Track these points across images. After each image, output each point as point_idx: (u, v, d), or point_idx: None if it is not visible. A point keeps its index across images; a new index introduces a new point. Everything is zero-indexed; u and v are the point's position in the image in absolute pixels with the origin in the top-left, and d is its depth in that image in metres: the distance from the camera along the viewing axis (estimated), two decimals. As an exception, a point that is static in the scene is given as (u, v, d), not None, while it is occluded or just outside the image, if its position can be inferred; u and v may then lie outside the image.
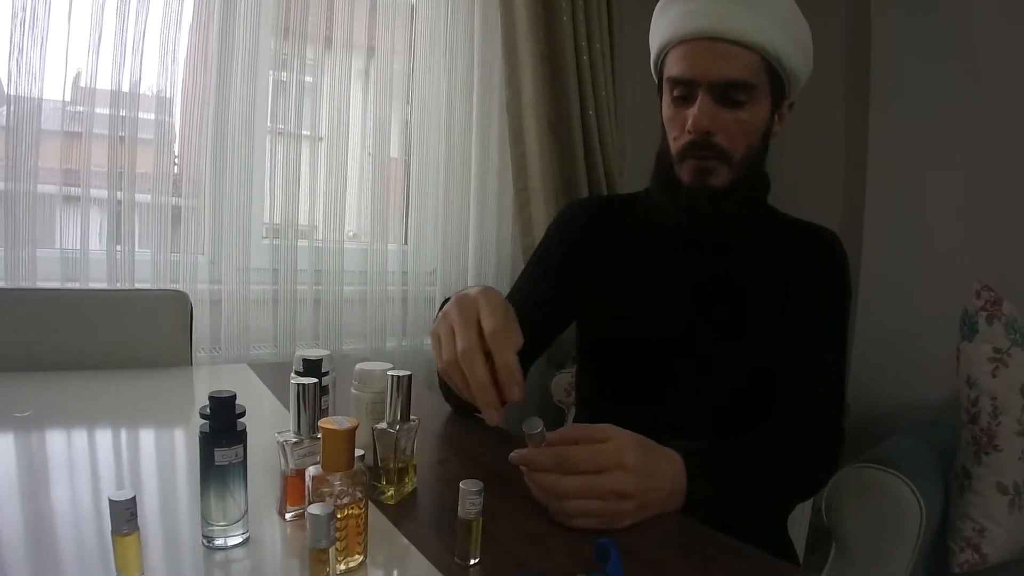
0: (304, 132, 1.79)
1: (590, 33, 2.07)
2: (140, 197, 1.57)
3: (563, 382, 1.87)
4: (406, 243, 2.01)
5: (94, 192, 1.51)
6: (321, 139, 1.83)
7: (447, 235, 2.00)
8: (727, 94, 0.98)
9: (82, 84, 1.49)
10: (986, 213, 1.90)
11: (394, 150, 1.97)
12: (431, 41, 1.99)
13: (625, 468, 0.68)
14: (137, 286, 1.56)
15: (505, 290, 1.91)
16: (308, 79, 1.80)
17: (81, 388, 1.08)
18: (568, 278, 1.14)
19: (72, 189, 1.49)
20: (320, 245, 1.80)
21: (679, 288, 1.08)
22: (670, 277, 1.09)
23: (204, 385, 1.20)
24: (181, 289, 1.57)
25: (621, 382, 1.11)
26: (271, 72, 1.76)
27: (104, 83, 1.50)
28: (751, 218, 1.09)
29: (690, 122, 0.99)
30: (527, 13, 1.96)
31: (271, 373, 1.23)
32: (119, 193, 1.53)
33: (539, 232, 1.98)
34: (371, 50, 1.92)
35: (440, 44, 2.00)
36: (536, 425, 0.70)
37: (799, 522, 1.36)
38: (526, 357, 1.09)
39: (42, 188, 1.45)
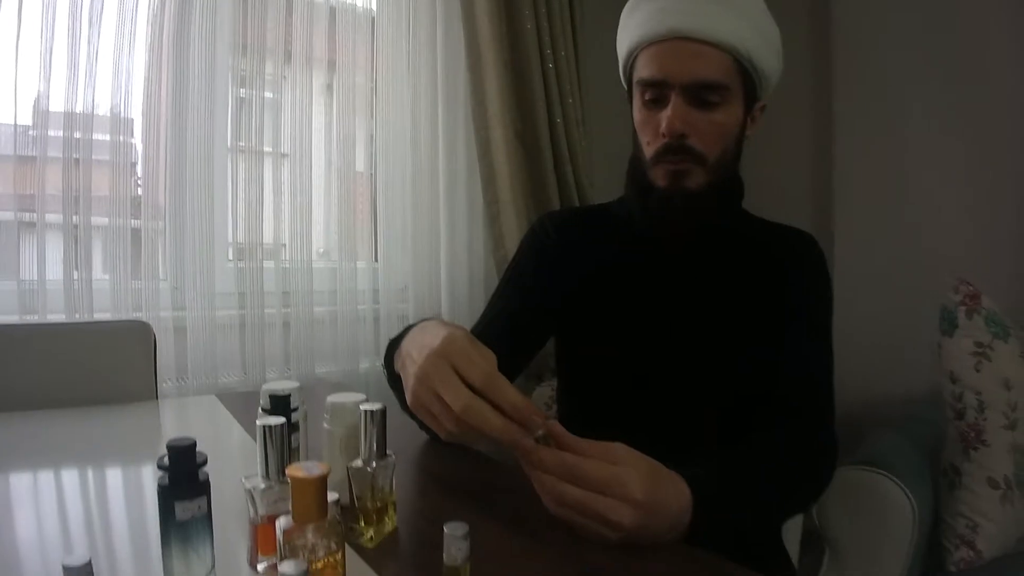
0: (267, 149, 1.74)
1: (554, 40, 2.05)
2: (97, 220, 1.51)
3: (543, 395, 1.83)
4: (376, 260, 1.96)
5: (50, 218, 1.44)
6: (284, 155, 1.77)
7: (417, 251, 1.96)
8: (700, 95, 0.96)
9: (39, 107, 1.44)
10: (961, 206, 1.90)
11: (360, 164, 1.93)
12: (393, 53, 1.95)
13: (627, 501, 0.65)
14: (97, 316, 1.49)
15: (480, 306, 1.90)
16: (268, 95, 1.75)
17: (37, 429, 1.03)
18: (543, 292, 1.11)
19: (26, 215, 1.43)
20: (287, 266, 1.75)
21: (657, 296, 1.05)
22: (647, 285, 1.06)
23: (171, 421, 1.15)
24: (143, 318, 1.52)
25: (604, 395, 1.07)
26: (230, 89, 1.71)
27: (58, 105, 1.45)
28: (727, 223, 1.07)
29: (663, 125, 0.96)
30: (490, 22, 1.93)
31: (241, 403, 1.19)
32: (75, 217, 1.46)
33: (511, 244, 1.96)
34: (331, 64, 1.87)
35: (402, 56, 1.96)
36: (538, 425, 0.68)
37: (792, 525, 1.34)
38: (506, 375, 1.07)
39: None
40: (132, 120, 1.57)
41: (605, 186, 2.19)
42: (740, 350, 1.01)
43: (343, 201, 1.85)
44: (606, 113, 2.29)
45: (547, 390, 1.86)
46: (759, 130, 1.08)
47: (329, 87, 1.91)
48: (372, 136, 1.98)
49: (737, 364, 1.01)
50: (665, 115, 0.96)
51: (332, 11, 1.84)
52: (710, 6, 0.94)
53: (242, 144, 1.71)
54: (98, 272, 1.52)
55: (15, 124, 1.42)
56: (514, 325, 1.07)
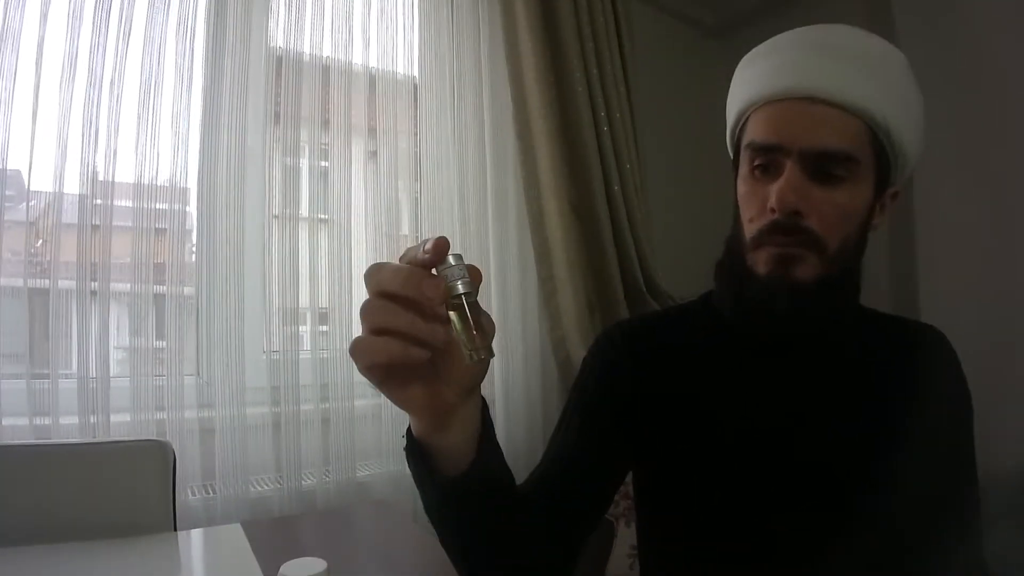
0: (303, 215, 1.63)
1: (608, 102, 1.91)
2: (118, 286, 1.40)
3: (624, 542, 1.61)
4: (423, 345, 1.80)
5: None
6: (324, 221, 1.65)
7: (468, 332, 1.79)
8: (822, 167, 0.77)
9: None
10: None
11: (405, 228, 1.81)
12: (438, 120, 1.82)
13: None
14: (114, 419, 1.34)
15: (536, 394, 1.70)
16: (304, 162, 1.63)
17: (37, 568, 0.87)
18: (618, 419, 0.89)
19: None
20: (325, 355, 1.59)
21: (760, 409, 0.85)
22: (747, 396, 0.86)
23: (187, 561, 0.98)
24: (164, 418, 1.38)
25: (706, 542, 0.86)
26: (265, 158, 1.60)
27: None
28: (842, 320, 0.87)
29: (773, 198, 0.77)
30: (539, 86, 1.80)
31: (267, 538, 1.01)
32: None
33: (568, 325, 1.79)
34: (372, 131, 1.75)
35: (447, 122, 1.84)
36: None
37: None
38: (585, 522, 0.87)
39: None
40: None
41: (666, 260, 2.02)
42: (867, 472, 0.81)
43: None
44: (664, 180, 2.15)
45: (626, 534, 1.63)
46: (885, 223, 0.88)
47: (373, 154, 1.78)
48: (417, 200, 1.84)
49: (864, 490, 0.80)
50: (777, 186, 0.78)
51: (372, 79, 1.73)
52: (844, 63, 0.77)
53: (276, 213, 1.59)
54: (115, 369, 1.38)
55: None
56: (588, 461, 0.86)
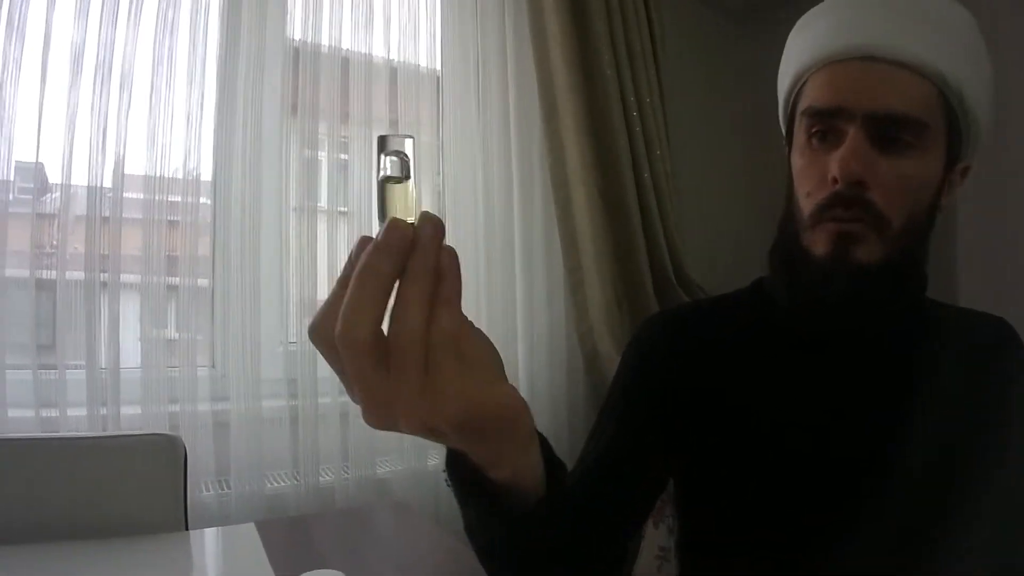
0: (321, 206, 1.58)
1: (637, 86, 1.84)
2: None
3: (653, 543, 1.54)
4: (444, 336, 1.74)
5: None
6: (343, 214, 1.60)
7: (491, 323, 1.72)
8: (889, 133, 0.69)
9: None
10: None
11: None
12: (462, 110, 1.76)
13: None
14: (124, 411, 1.30)
15: (562, 389, 1.63)
16: (323, 154, 1.59)
17: (41, 568, 0.84)
18: (659, 422, 0.82)
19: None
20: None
21: (817, 407, 0.77)
22: (802, 393, 0.78)
23: (198, 562, 0.93)
24: (177, 411, 1.33)
25: (756, 552, 0.79)
26: (282, 150, 1.55)
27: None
28: (901, 312, 0.80)
29: (835, 167, 0.69)
30: (567, 69, 1.73)
31: (282, 538, 0.95)
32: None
33: (595, 317, 1.72)
34: (393, 123, 1.70)
35: (472, 112, 1.77)
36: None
37: None
38: (629, 525, 0.80)
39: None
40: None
41: (697, 252, 1.95)
42: (938, 478, 0.73)
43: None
44: (696, 166, 2.08)
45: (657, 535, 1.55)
46: (955, 202, 0.80)
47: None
48: (439, 192, 1.78)
49: (933, 497, 0.73)
50: (839, 154, 0.70)
51: (393, 72, 1.68)
52: (912, 20, 0.70)
53: (294, 205, 1.55)
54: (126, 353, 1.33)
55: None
56: (630, 463, 0.79)
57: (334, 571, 0.62)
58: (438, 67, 1.78)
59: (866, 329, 0.77)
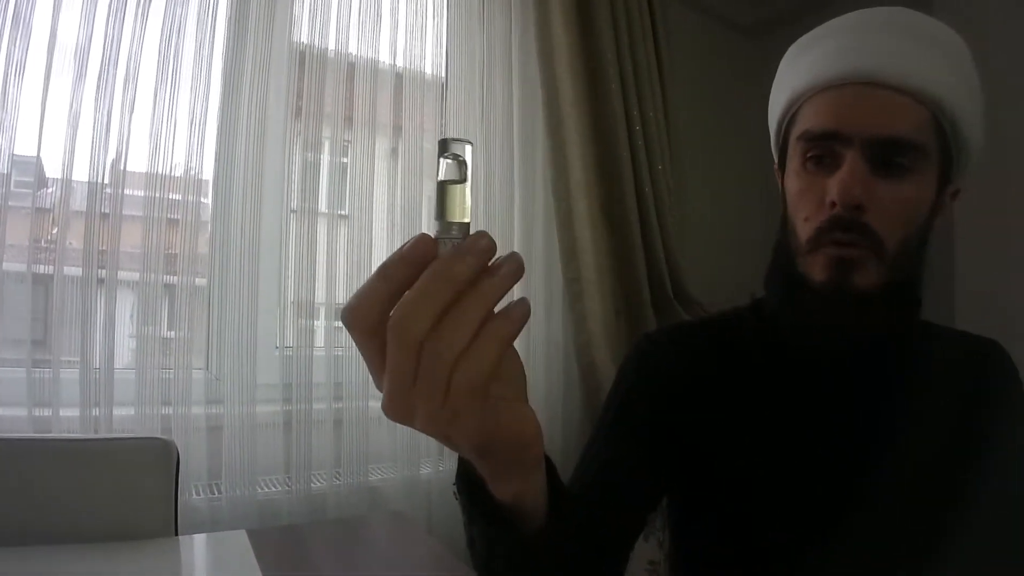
0: (323, 210, 1.57)
1: (642, 101, 1.84)
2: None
3: (642, 557, 1.53)
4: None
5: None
6: (344, 217, 1.60)
7: (488, 332, 1.71)
8: (887, 157, 0.70)
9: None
10: None
11: (425, 226, 1.73)
12: (465, 118, 1.75)
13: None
14: (117, 412, 1.29)
15: (558, 400, 1.62)
16: (325, 158, 1.58)
17: (27, 572, 0.83)
18: (657, 436, 0.81)
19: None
20: (340, 352, 1.53)
21: (815, 425, 0.77)
22: (801, 412, 0.78)
23: (188, 569, 0.92)
24: (170, 414, 1.32)
25: (741, 552, 0.79)
26: (285, 152, 1.55)
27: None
28: (901, 334, 0.79)
29: (835, 190, 0.69)
30: (572, 81, 1.74)
31: (273, 547, 0.94)
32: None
33: (594, 329, 1.72)
34: (397, 129, 1.70)
35: (475, 120, 1.77)
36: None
37: None
38: (626, 542, 0.80)
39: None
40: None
41: (699, 269, 1.95)
42: (932, 500, 0.74)
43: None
44: (697, 181, 2.08)
45: (648, 549, 1.55)
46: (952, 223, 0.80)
47: (396, 151, 1.72)
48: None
49: (926, 519, 0.74)
50: (839, 178, 0.70)
51: (399, 78, 1.68)
52: (909, 44, 0.70)
53: (294, 207, 1.54)
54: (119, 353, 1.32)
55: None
56: (625, 477, 0.78)
57: None
58: (443, 74, 1.78)
59: (864, 349, 0.77)
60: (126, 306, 1.34)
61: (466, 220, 0.37)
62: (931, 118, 0.71)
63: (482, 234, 0.36)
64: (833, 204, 0.70)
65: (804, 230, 0.75)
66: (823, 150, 0.73)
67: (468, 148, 0.37)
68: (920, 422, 0.76)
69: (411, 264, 0.36)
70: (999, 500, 0.75)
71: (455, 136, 0.37)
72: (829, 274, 0.72)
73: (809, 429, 0.77)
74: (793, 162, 0.77)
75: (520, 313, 0.37)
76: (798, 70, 0.77)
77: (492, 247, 0.36)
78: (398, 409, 0.37)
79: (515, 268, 0.36)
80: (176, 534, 1.03)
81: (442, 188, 0.37)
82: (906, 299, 0.78)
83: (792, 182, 0.78)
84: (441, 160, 0.37)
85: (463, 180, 0.37)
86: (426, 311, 0.35)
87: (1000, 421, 0.78)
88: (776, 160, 0.85)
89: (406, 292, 0.35)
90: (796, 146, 0.77)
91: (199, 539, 1.07)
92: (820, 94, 0.74)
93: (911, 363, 0.79)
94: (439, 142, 0.38)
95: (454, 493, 0.54)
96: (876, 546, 0.73)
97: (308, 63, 1.56)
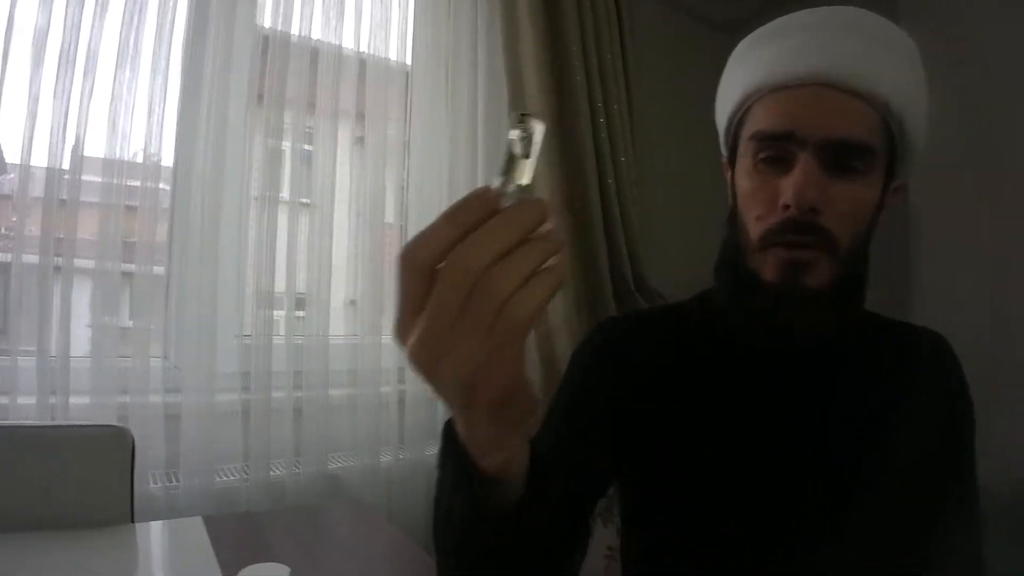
0: (283, 197, 1.55)
1: (607, 94, 1.85)
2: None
3: (601, 542, 1.55)
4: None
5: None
6: (305, 205, 1.58)
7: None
8: (840, 160, 0.71)
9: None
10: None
11: (390, 216, 1.75)
12: (430, 106, 1.75)
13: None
14: (73, 401, 1.27)
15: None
16: (287, 144, 1.56)
17: None
18: (609, 421, 0.83)
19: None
20: (300, 342, 1.52)
21: (765, 420, 0.79)
22: (750, 406, 0.80)
23: (147, 554, 0.91)
24: (128, 402, 1.31)
25: (694, 544, 0.80)
26: (245, 139, 1.53)
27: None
28: (849, 327, 0.82)
29: (790, 193, 0.70)
30: (537, 74, 1.74)
31: (231, 534, 0.94)
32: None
33: (556, 321, 1.74)
34: (360, 116, 1.69)
35: (440, 109, 1.77)
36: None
37: None
38: (562, 528, 0.80)
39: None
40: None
41: (657, 256, 1.97)
42: (877, 491, 0.76)
43: (367, 258, 1.64)
44: (665, 180, 2.10)
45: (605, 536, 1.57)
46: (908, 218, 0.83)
47: (360, 139, 1.71)
48: (403, 188, 1.78)
49: (873, 508, 0.76)
50: (792, 180, 0.71)
51: (362, 64, 1.67)
52: (861, 46, 0.71)
53: (255, 194, 1.53)
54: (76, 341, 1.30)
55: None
56: (574, 464, 0.77)
57: (278, 564, 0.61)
58: (408, 62, 1.77)
59: (813, 347, 0.79)
60: (84, 294, 1.32)
61: (525, 183, 0.40)
62: (881, 120, 0.72)
63: (549, 201, 0.40)
64: (787, 206, 0.71)
65: (755, 229, 0.76)
66: (776, 150, 0.74)
67: (540, 129, 0.40)
68: (868, 417, 0.79)
69: (477, 211, 0.37)
70: (921, 489, 0.78)
71: (531, 113, 0.40)
72: (780, 275, 0.73)
73: (759, 424, 0.79)
74: (744, 160, 0.78)
75: (562, 271, 0.40)
76: (750, 67, 0.77)
77: (550, 208, 0.39)
78: (432, 348, 0.38)
79: (561, 237, 0.40)
80: (133, 521, 1.02)
81: (509, 154, 0.40)
82: (853, 294, 0.80)
83: (743, 181, 0.78)
84: (513, 131, 0.40)
85: (526, 156, 0.40)
86: (487, 250, 0.37)
87: (931, 412, 0.81)
88: (725, 155, 0.86)
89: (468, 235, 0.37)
90: (748, 144, 0.77)
91: (155, 526, 1.07)
92: (773, 94, 0.74)
93: (859, 358, 0.81)
94: (518, 115, 0.40)
95: (438, 465, 0.54)
96: (822, 534, 0.75)
97: (271, 48, 1.54)
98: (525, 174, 0.40)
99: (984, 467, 0.84)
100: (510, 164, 0.39)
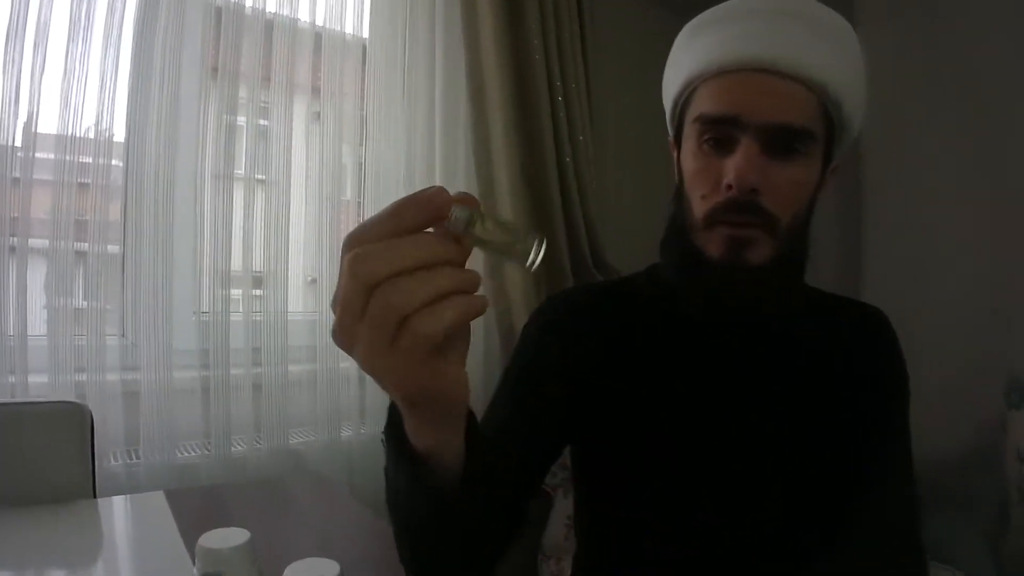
0: (239, 173, 1.54)
1: (564, 72, 1.87)
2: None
3: (563, 512, 1.60)
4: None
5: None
6: (261, 182, 1.58)
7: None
8: (781, 143, 0.75)
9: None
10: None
11: (348, 193, 1.76)
12: (387, 81, 1.75)
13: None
14: (32, 380, 1.26)
15: (478, 359, 1.66)
16: (242, 119, 1.55)
17: None
18: (558, 395, 0.85)
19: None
20: (259, 319, 1.52)
21: (709, 389, 0.83)
22: (696, 377, 0.84)
23: (110, 528, 0.92)
24: (85, 380, 1.30)
25: (645, 516, 0.84)
26: (199, 113, 1.50)
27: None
28: (790, 301, 0.86)
29: (732, 175, 0.74)
30: (495, 50, 1.74)
31: (193, 507, 0.96)
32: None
33: (514, 296, 1.77)
34: (316, 90, 1.68)
35: (397, 85, 1.76)
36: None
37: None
38: (525, 493, 0.83)
39: None
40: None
41: (614, 234, 2.01)
42: (815, 459, 0.81)
43: (331, 228, 1.64)
44: (618, 152, 2.13)
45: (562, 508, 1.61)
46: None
47: (317, 115, 1.70)
48: (361, 164, 1.78)
49: (811, 475, 0.81)
50: (734, 162, 0.74)
51: (318, 37, 1.65)
52: (803, 33, 0.74)
53: (210, 171, 1.51)
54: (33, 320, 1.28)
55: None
56: (524, 435, 0.82)
57: (238, 529, 0.63)
58: (365, 36, 1.76)
59: (757, 320, 0.84)
60: (39, 273, 1.30)
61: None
62: (819, 104, 0.76)
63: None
64: (729, 187, 0.74)
65: (700, 207, 0.79)
66: (719, 133, 0.77)
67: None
68: (808, 386, 0.83)
69: (422, 213, 0.39)
70: (858, 462, 0.82)
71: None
72: (724, 251, 0.77)
73: (703, 391, 0.83)
74: (689, 142, 0.81)
75: (484, 302, 0.41)
76: (695, 51, 0.80)
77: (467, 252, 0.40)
78: (343, 335, 0.40)
79: (478, 278, 0.41)
80: (94, 496, 1.03)
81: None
82: (794, 269, 0.84)
83: (689, 161, 0.81)
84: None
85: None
86: (388, 262, 0.38)
87: (869, 385, 0.86)
88: (672, 135, 0.89)
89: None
90: (692, 127, 0.80)
91: (117, 500, 1.07)
92: (716, 78, 0.77)
93: (801, 331, 0.86)
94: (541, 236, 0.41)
95: (382, 440, 0.57)
96: (771, 503, 0.80)
97: (224, 20, 1.52)
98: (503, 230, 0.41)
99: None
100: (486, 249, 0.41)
